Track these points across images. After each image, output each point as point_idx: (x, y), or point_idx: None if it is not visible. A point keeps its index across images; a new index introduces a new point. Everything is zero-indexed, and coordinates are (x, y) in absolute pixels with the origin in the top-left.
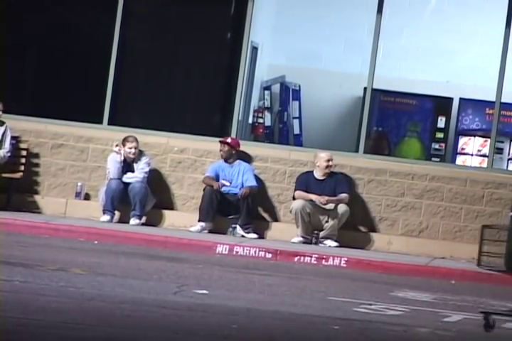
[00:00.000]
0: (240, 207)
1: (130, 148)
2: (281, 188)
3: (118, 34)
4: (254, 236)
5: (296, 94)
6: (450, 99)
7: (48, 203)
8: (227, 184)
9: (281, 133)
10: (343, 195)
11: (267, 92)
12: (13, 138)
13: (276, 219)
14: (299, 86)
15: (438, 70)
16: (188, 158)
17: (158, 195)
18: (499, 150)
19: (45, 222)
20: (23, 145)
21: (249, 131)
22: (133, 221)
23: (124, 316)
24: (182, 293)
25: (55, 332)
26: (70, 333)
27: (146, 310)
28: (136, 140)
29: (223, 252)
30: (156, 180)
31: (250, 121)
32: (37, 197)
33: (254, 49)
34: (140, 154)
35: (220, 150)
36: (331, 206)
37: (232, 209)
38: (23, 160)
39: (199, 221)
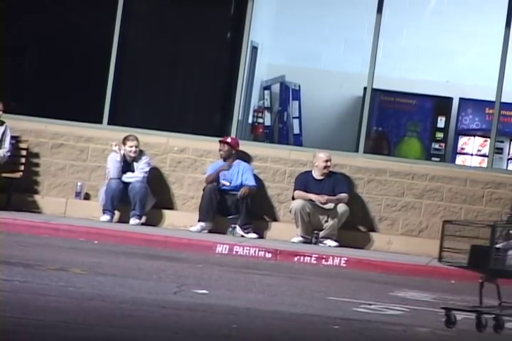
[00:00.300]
0: (240, 207)
1: (130, 147)
2: (281, 188)
3: (118, 34)
4: (254, 236)
5: (296, 94)
6: (450, 99)
7: (48, 203)
8: (227, 184)
9: (281, 133)
10: (343, 195)
11: (266, 92)
12: (13, 137)
13: (276, 219)
14: (299, 86)
15: (438, 70)
16: (188, 158)
17: (158, 194)
18: (499, 150)
19: (45, 221)
20: (23, 145)
21: (249, 130)
22: (133, 221)
23: (124, 316)
24: (182, 292)
25: (55, 332)
26: (70, 333)
27: (146, 310)
28: (136, 139)
29: (223, 252)
30: (156, 179)
31: (250, 120)
32: (37, 197)
33: (254, 49)
34: (140, 154)
35: (220, 150)
36: (330, 206)
37: (232, 209)
38: (23, 160)
39: (199, 221)
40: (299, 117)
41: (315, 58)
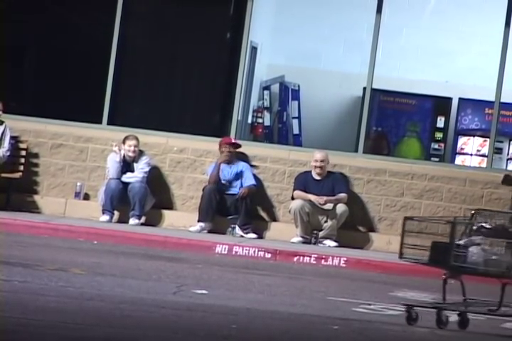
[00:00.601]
0: (239, 207)
1: (129, 146)
2: (281, 188)
3: (117, 34)
4: (254, 236)
5: (296, 94)
6: (449, 99)
7: (48, 203)
8: (227, 184)
9: (280, 133)
10: (342, 195)
11: (266, 92)
12: (12, 137)
13: (275, 219)
14: (299, 86)
15: (437, 70)
16: (187, 158)
17: (157, 194)
18: (498, 150)
19: (44, 221)
20: (22, 145)
21: (248, 130)
22: (132, 221)
23: (124, 316)
24: (181, 293)
25: (55, 332)
26: (69, 333)
27: (146, 310)
28: (136, 138)
29: (222, 252)
30: (155, 179)
31: (249, 121)
32: (36, 197)
33: (254, 49)
34: (140, 154)
35: (228, 152)
36: (329, 206)
37: (232, 210)
38: (23, 160)
39: (198, 221)
40: (299, 117)
41: (314, 58)
